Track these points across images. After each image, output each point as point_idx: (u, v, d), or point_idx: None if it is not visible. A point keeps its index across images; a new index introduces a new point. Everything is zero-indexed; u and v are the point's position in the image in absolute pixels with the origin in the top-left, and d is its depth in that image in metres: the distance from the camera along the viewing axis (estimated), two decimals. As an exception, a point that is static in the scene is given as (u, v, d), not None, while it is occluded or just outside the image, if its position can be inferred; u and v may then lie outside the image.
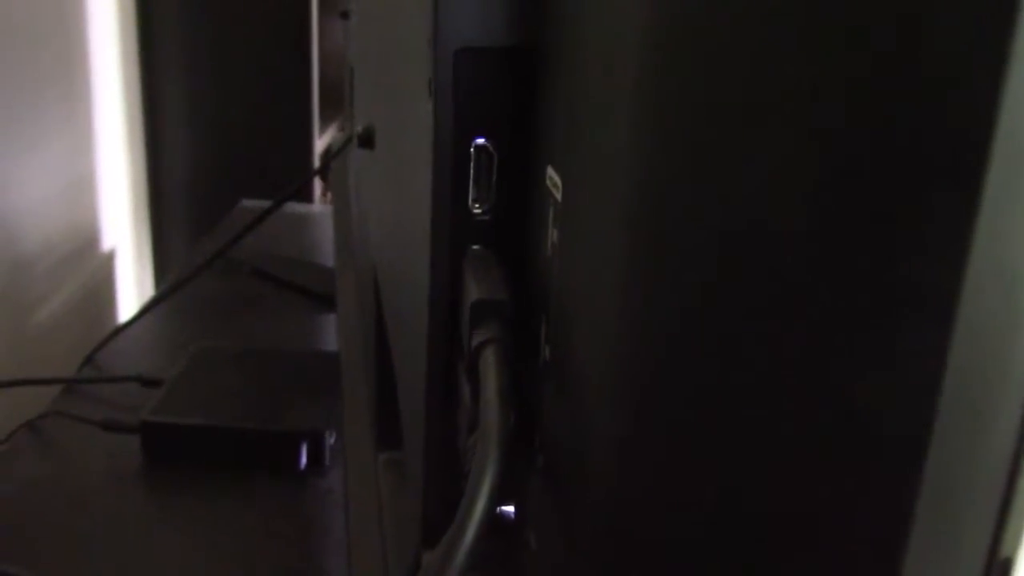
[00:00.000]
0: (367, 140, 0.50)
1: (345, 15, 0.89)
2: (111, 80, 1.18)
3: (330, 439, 0.65)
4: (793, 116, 0.13)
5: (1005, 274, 0.10)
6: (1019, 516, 0.11)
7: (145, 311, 0.88)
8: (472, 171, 0.26)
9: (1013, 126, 0.10)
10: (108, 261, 1.19)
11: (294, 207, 1.17)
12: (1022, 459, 0.11)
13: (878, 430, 0.12)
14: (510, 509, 0.28)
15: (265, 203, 1.00)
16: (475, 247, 0.26)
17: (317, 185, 1.34)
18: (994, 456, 0.11)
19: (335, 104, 1.39)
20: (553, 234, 0.23)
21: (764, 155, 0.14)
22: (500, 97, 0.25)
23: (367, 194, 0.56)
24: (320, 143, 1.33)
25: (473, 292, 0.25)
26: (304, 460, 0.64)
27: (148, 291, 1.29)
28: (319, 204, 1.32)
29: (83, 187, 1.11)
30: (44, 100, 1.01)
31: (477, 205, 0.26)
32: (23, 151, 0.96)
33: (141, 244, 1.29)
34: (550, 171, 0.23)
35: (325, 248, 1.06)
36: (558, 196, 0.23)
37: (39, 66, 0.99)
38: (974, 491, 0.11)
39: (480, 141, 0.26)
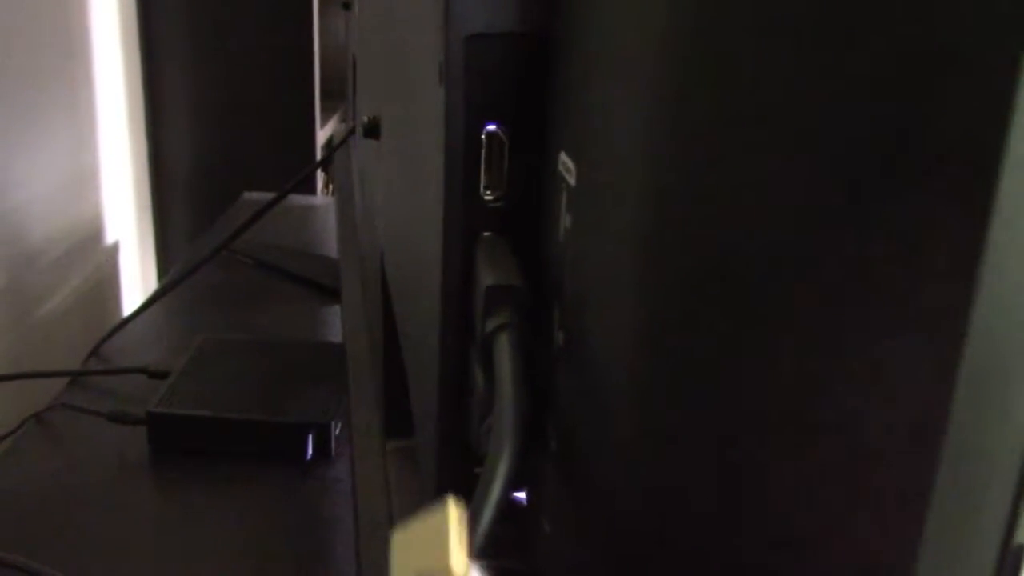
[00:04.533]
0: (373, 130, 0.50)
1: (347, 6, 0.89)
2: (113, 74, 1.18)
3: (336, 429, 0.65)
4: (805, 110, 0.13)
5: (1018, 279, 0.10)
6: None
7: (150, 303, 0.88)
8: (484, 158, 0.26)
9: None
10: (112, 254, 1.19)
11: (297, 199, 1.17)
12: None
13: (894, 417, 0.12)
14: (522, 495, 0.28)
15: (268, 195, 1.00)
16: (487, 234, 0.26)
17: (319, 177, 1.34)
18: (1010, 443, 0.11)
19: (336, 96, 1.39)
20: (566, 219, 0.23)
21: (776, 143, 0.14)
22: (511, 83, 0.25)
23: (374, 184, 0.56)
24: (322, 135, 1.33)
25: (486, 278, 0.25)
26: (310, 450, 0.64)
27: (152, 284, 1.29)
28: (321, 196, 1.32)
29: (87, 181, 1.11)
30: (47, 95, 1.01)
31: (489, 192, 0.26)
32: (27, 146, 0.96)
33: (145, 237, 1.29)
34: (563, 156, 0.23)
35: (328, 239, 1.06)
36: (571, 181, 0.23)
37: (42, 61, 0.99)
38: (990, 477, 0.11)
39: (492, 128, 0.26)
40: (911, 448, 0.11)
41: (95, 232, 1.14)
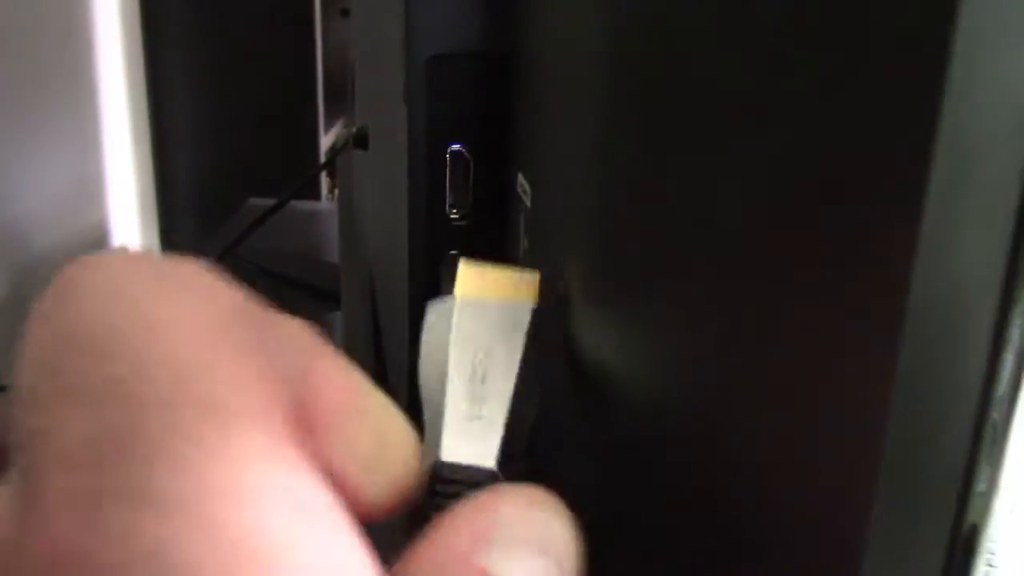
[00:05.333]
0: (362, 141, 0.50)
1: (346, 12, 0.89)
2: (117, 81, 1.18)
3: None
4: (748, 122, 0.13)
5: (951, 280, 0.10)
6: (985, 480, 0.11)
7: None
8: (448, 177, 0.26)
9: (955, 127, 0.10)
10: (118, 260, 1.19)
11: (302, 205, 1.17)
12: (983, 429, 0.11)
13: (836, 392, 0.12)
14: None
15: (272, 201, 1.01)
16: (453, 252, 0.27)
17: (324, 182, 1.35)
18: (960, 413, 0.11)
19: (340, 101, 1.39)
20: (524, 241, 0.23)
21: (717, 158, 0.14)
22: (475, 103, 0.26)
23: (362, 195, 0.57)
24: (326, 140, 1.33)
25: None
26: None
27: (158, 290, 1.29)
28: (326, 201, 1.33)
29: (91, 188, 1.12)
30: (51, 103, 1.01)
31: (455, 211, 0.26)
32: (31, 154, 0.96)
33: (150, 243, 1.30)
34: (520, 178, 0.23)
35: (332, 245, 1.07)
36: (527, 203, 0.23)
37: (45, 69, 1.00)
38: (940, 454, 0.11)
39: (456, 147, 0.26)
40: (856, 424, 0.11)
41: (99, 240, 1.14)
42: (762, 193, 0.13)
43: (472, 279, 0.20)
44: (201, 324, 0.15)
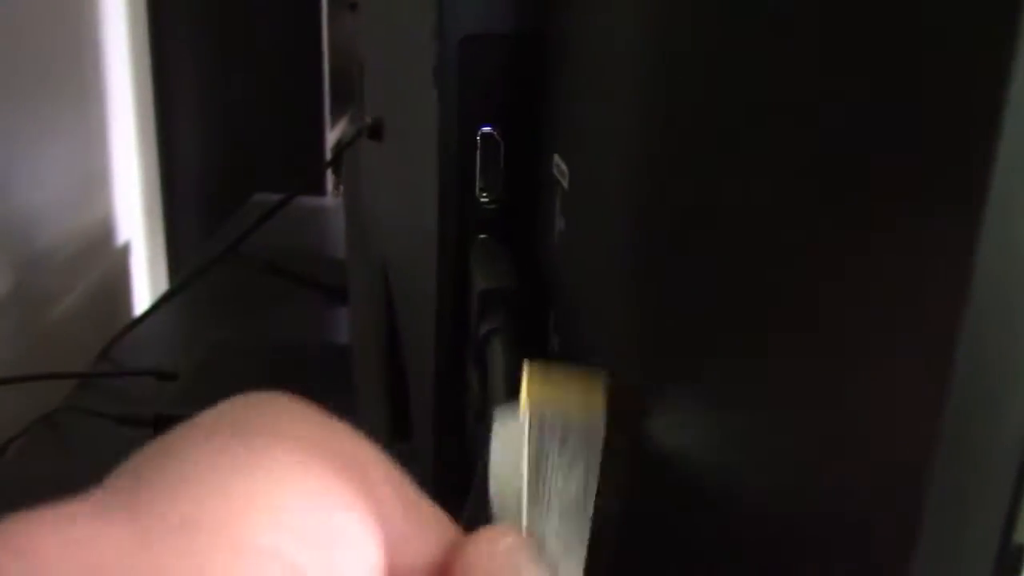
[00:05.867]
0: (376, 132, 0.49)
1: (353, 7, 0.89)
2: (123, 75, 1.18)
3: (343, 431, 0.65)
4: (796, 115, 0.13)
5: (1013, 276, 0.10)
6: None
7: (159, 305, 0.88)
8: (479, 160, 0.26)
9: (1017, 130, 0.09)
10: (122, 256, 1.19)
11: (307, 201, 1.17)
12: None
13: (886, 415, 0.11)
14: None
15: (278, 197, 1.00)
16: (482, 236, 0.26)
17: (329, 179, 1.34)
18: (1007, 440, 0.11)
19: (346, 97, 1.39)
20: (560, 222, 0.23)
21: (765, 150, 0.14)
22: (506, 85, 0.25)
23: (375, 187, 0.56)
24: (331, 136, 1.33)
25: (480, 282, 0.25)
26: (317, 452, 0.64)
27: (162, 285, 1.29)
28: (331, 198, 1.32)
29: (96, 182, 1.11)
30: (57, 96, 1.01)
31: (484, 195, 0.26)
32: (36, 148, 0.96)
33: (155, 239, 1.30)
34: (556, 159, 0.23)
35: (337, 241, 1.06)
36: (564, 184, 0.23)
37: (51, 63, 1.00)
38: (987, 476, 0.11)
39: (487, 129, 0.25)
40: (905, 444, 0.11)
41: (105, 234, 1.14)
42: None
43: (540, 386, 0.20)
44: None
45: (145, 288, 1.27)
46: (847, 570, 0.12)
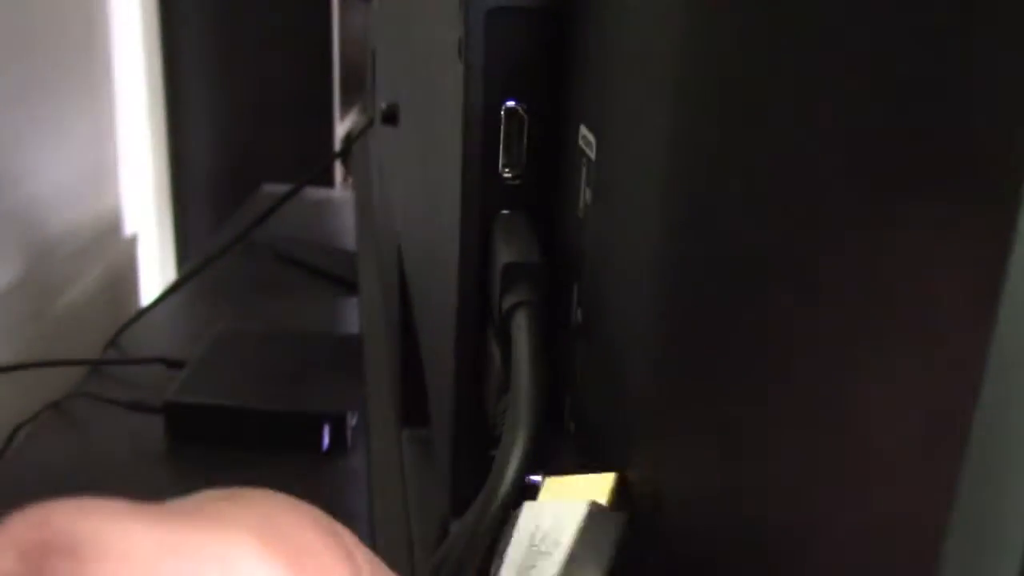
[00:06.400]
0: (390, 117, 0.49)
1: (367, -3, 0.88)
2: (132, 66, 1.18)
3: (352, 420, 0.65)
4: (829, 97, 0.13)
5: None
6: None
7: (168, 294, 0.88)
8: (503, 135, 0.26)
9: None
10: (131, 245, 1.19)
11: (315, 192, 1.17)
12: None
13: (914, 421, 0.11)
14: (538, 478, 0.28)
15: (286, 187, 1.00)
16: (505, 211, 0.26)
17: (338, 170, 1.34)
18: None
19: (356, 88, 1.39)
20: (586, 194, 0.23)
21: (801, 114, 0.14)
22: (531, 58, 0.25)
23: (391, 171, 0.56)
24: (341, 127, 1.33)
25: (504, 255, 0.24)
26: (327, 441, 0.64)
27: (171, 275, 1.29)
28: (339, 189, 1.32)
29: (105, 172, 1.11)
30: (67, 87, 1.01)
31: (507, 169, 0.26)
32: (46, 138, 0.96)
33: (164, 228, 1.30)
34: (583, 130, 0.23)
35: (346, 233, 1.06)
36: (591, 155, 0.22)
37: (61, 53, 1.00)
38: (1016, 482, 0.10)
39: (511, 104, 0.25)
40: (933, 450, 0.11)
41: (114, 223, 1.14)
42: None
43: (557, 492, 0.21)
44: None
45: (154, 277, 1.27)
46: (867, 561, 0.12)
